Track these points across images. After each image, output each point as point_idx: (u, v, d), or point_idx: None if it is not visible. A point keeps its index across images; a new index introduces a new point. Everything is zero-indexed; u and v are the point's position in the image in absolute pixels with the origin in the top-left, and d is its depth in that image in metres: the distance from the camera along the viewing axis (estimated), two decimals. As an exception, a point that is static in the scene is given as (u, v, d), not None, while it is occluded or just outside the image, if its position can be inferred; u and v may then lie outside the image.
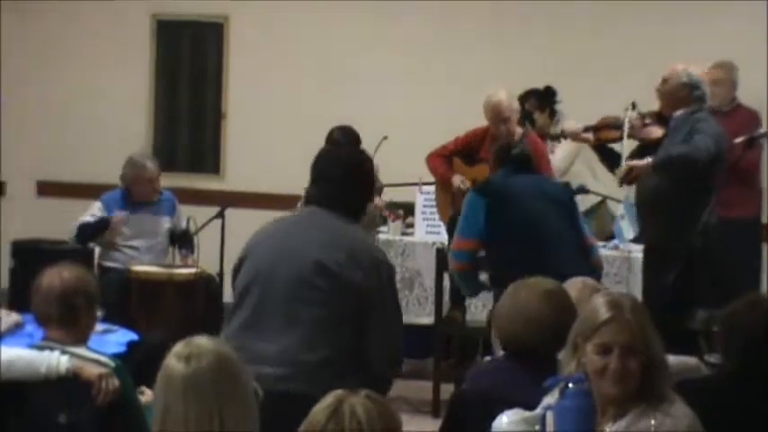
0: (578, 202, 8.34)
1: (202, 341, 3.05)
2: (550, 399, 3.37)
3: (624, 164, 6.66)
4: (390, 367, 4.32)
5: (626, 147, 6.82)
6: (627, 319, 3.31)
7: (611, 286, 7.53)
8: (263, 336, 4.19)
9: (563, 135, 7.45)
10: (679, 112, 6.54)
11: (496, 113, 7.09)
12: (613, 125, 6.88)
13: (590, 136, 7.02)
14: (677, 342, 4.77)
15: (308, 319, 4.17)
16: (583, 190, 8.35)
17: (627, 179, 6.74)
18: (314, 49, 9.72)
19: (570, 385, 3.30)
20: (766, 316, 3.95)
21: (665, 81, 6.64)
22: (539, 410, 3.38)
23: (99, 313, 4.57)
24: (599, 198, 8.41)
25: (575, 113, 7.92)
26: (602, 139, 7.00)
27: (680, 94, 6.55)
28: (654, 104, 6.80)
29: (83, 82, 10.13)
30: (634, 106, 6.82)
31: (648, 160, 6.53)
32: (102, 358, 4.25)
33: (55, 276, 4.32)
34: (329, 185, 4.52)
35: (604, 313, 3.32)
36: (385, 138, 7.49)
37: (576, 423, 3.27)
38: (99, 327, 5.72)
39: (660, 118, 6.72)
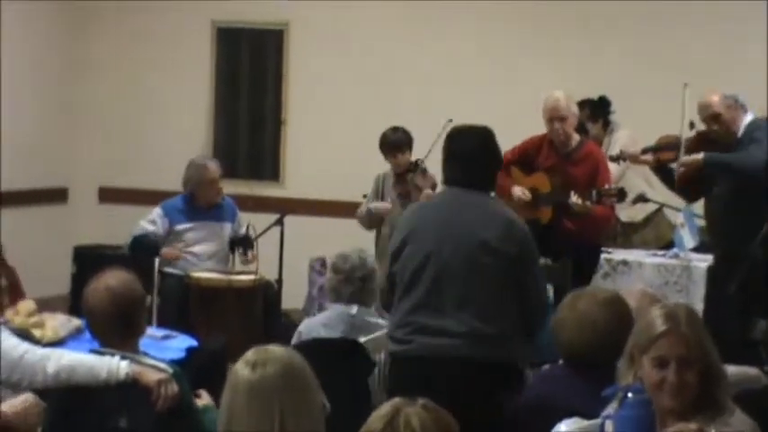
0: (637, 211, 8.36)
1: (273, 349, 3.05)
2: (610, 408, 3.35)
3: (678, 163, 6.71)
4: (543, 317, 4.76)
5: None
6: (683, 331, 3.28)
7: (671, 295, 7.50)
8: (442, 312, 4.64)
9: (622, 158, 7.45)
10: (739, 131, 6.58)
11: (552, 111, 7.03)
12: (671, 146, 6.91)
13: (649, 158, 7.06)
14: (738, 352, 4.73)
15: (480, 295, 4.65)
16: (642, 198, 8.32)
17: (683, 181, 6.76)
18: (373, 56, 9.74)
19: (629, 395, 3.27)
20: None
21: (715, 118, 6.71)
22: (598, 420, 3.36)
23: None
24: (656, 206, 8.37)
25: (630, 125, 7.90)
26: (661, 161, 7.03)
27: (732, 121, 6.68)
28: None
29: (144, 89, 10.22)
30: (692, 126, 6.81)
31: (700, 155, 6.59)
32: (161, 365, 4.27)
33: (102, 286, 4.32)
34: (467, 164, 4.88)
35: (660, 326, 3.29)
36: (450, 120, 7.43)
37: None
38: (158, 333, 5.80)
39: (715, 135, 6.74)
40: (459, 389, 4.44)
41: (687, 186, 6.91)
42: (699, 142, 6.79)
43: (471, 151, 4.90)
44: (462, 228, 4.74)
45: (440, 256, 4.70)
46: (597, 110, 8.19)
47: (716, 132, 6.74)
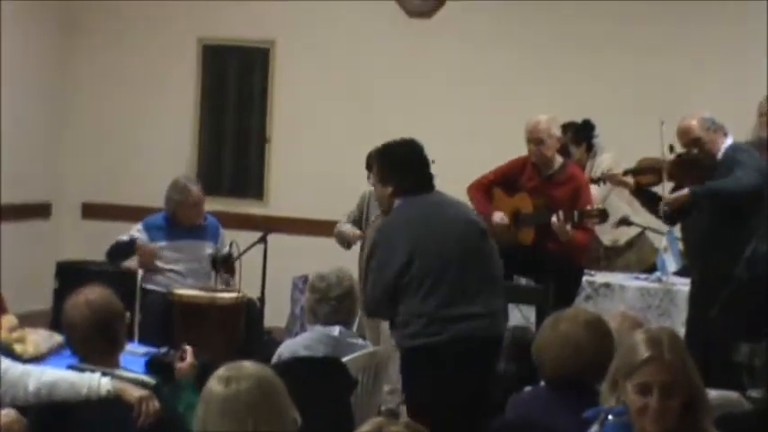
0: (620, 234, 8.37)
1: (246, 365, 3.06)
2: (592, 430, 3.35)
3: (663, 203, 6.71)
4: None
5: (666, 188, 6.86)
6: (666, 358, 3.28)
7: (653, 319, 7.52)
8: (469, 300, 5.28)
9: (603, 180, 7.48)
10: (719, 154, 6.57)
11: (531, 133, 7.09)
12: (651, 169, 6.93)
13: (630, 180, 7.05)
14: (720, 375, 4.74)
15: (488, 276, 5.43)
16: (626, 221, 8.34)
17: (669, 213, 6.77)
18: (359, 75, 9.76)
19: (610, 417, 3.28)
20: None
21: (695, 142, 6.68)
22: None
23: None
24: (639, 229, 8.40)
25: (615, 145, 7.93)
26: (641, 184, 7.05)
27: (713, 144, 6.64)
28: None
29: (128, 105, 10.22)
30: (672, 149, 6.83)
31: (686, 191, 6.59)
32: (143, 377, 4.27)
33: (82, 300, 4.33)
34: (417, 172, 5.56)
35: (644, 352, 3.29)
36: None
37: None
38: (140, 349, 5.77)
39: (696, 160, 6.74)
40: (487, 363, 5.37)
41: (670, 213, 6.92)
42: (679, 165, 6.80)
43: (418, 159, 5.57)
44: (453, 224, 5.44)
45: (450, 255, 5.31)
46: (580, 133, 8.21)
47: (695, 155, 6.75)
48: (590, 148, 8.30)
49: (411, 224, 5.42)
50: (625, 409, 3.29)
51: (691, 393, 3.28)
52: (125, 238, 7.76)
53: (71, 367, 4.32)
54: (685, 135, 6.71)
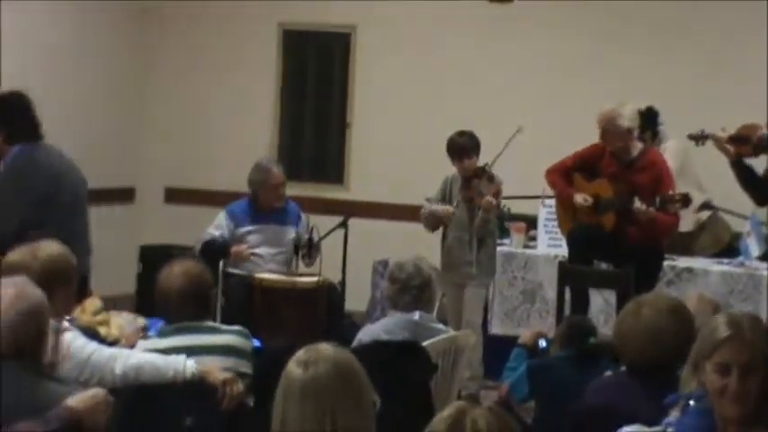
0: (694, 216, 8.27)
1: (324, 348, 3.08)
2: (672, 416, 3.34)
3: None
4: None
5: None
6: (746, 338, 3.25)
7: (736, 304, 7.46)
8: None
9: (703, 137, 7.08)
10: None
11: (598, 123, 7.11)
12: (750, 140, 6.69)
13: (731, 149, 6.78)
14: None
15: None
16: (707, 206, 8.27)
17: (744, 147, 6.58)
18: (439, 60, 9.75)
19: (691, 403, 3.26)
20: None
21: None
22: (659, 427, 3.35)
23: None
24: (710, 212, 8.29)
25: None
26: (741, 153, 6.76)
27: None
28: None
29: (210, 90, 10.31)
30: None
31: None
32: (238, 327, 4.44)
33: (179, 270, 4.51)
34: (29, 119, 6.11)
35: (723, 332, 3.27)
36: (519, 130, 7.42)
37: None
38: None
39: None
40: None
41: (758, 185, 6.72)
42: None
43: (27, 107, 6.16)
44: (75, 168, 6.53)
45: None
46: (645, 121, 8.08)
47: None
48: (655, 136, 8.19)
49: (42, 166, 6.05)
50: (705, 393, 3.27)
51: None
52: (215, 232, 7.83)
53: (166, 330, 4.44)
54: None
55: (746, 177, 6.74)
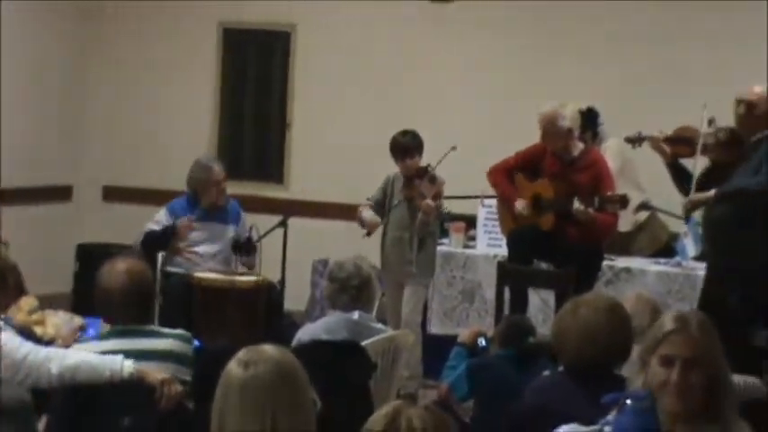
0: (633, 217, 8.35)
1: (265, 348, 3.07)
2: (610, 415, 3.35)
3: (686, 201, 6.57)
4: None
5: (698, 165, 6.70)
6: (692, 332, 3.27)
7: (673, 304, 7.53)
8: None
9: (639, 140, 7.13)
10: (756, 136, 6.41)
11: (539, 123, 7.17)
12: (688, 140, 6.74)
13: (668, 149, 6.84)
14: (738, 361, 4.73)
15: None
16: (646, 206, 8.34)
17: (691, 210, 6.68)
18: (379, 60, 9.75)
19: (629, 402, 3.27)
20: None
21: (750, 105, 6.46)
22: (596, 426, 3.36)
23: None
24: (649, 212, 8.37)
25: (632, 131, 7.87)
26: (675, 154, 6.82)
27: (763, 123, 6.38)
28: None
29: (149, 88, 10.24)
30: (711, 122, 6.67)
31: (711, 193, 6.43)
32: (181, 331, 4.37)
33: (120, 268, 4.43)
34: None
35: (669, 325, 3.29)
36: (453, 148, 7.48)
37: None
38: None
39: (733, 138, 6.57)
40: None
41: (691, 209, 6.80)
42: (716, 140, 6.60)
43: None
44: None
45: None
46: (586, 121, 8.11)
47: (733, 131, 6.53)
48: (595, 136, 8.25)
49: None
50: (646, 394, 3.28)
51: (715, 375, 3.26)
52: (155, 227, 7.77)
53: (108, 333, 4.39)
54: (755, 99, 6.46)
55: (682, 178, 6.80)
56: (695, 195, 6.52)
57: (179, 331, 4.58)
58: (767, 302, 6.20)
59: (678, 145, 6.77)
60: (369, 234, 7.77)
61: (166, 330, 4.58)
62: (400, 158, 7.70)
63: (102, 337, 4.53)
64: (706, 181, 6.62)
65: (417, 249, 7.64)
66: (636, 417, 3.25)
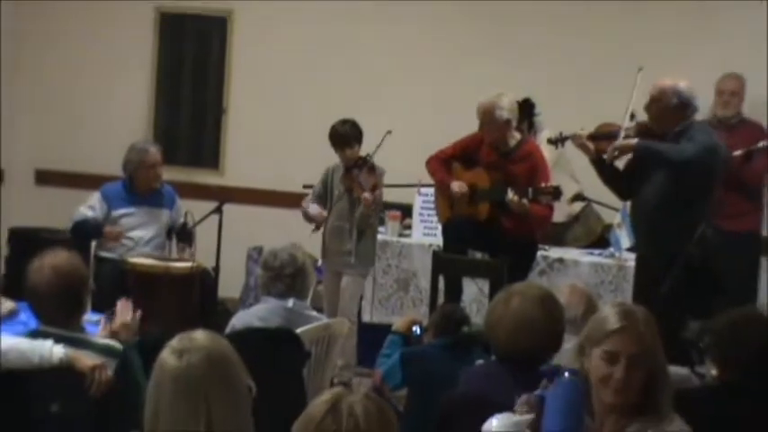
0: (568, 208, 8.41)
1: (198, 336, 3.05)
2: (540, 390, 3.34)
3: (612, 146, 6.61)
4: None
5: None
6: (639, 330, 3.30)
7: (605, 294, 7.60)
8: None
9: (562, 140, 7.23)
10: (676, 129, 6.53)
11: (477, 114, 7.18)
12: (611, 135, 6.81)
13: (591, 146, 6.89)
14: (669, 351, 4.78)
15: None
16: (580, 197, 8.39)
17: (616, 158, 6.71)
18: (317, 47, 9.72)
19: (566, 374, 3.26)
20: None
21: (654, 100, 6.58)
22: (528, 415, 3.36)
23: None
24: (584, 203, 8.42)
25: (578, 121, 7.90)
26: (599, 150, 6.88)
27: (672, 116, 6.52)
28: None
29: (85, 72, 10.14)
30: (633, 117, 6.77)
31: (635, 141, 6.54)
32: (111, 342, 4.27)
33: (48, 264, 4.33)
34: None
35: (616, 322, 3.31)
36: (389, 132, 7.48)
37: (562, 412, 3.22)
38: (93, 317, 5.76)
39: (646, 131, 6.67)
40: None
41: (620, 182, 6.87)
42: (637, 133, 6.75)
43: None
44: None
45: None
46: (522, 112, 8.14)
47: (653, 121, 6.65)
48: (531, 126, 8.29)
49: None
50: (578, 373, 3.28)
51: (655, 370, 3.29)
52: (88, 212, 7.70)
53: (25, 334, 4.30)
54: (657, 94, 6.59)
55: (608, 173, 6.86)
56: (619, 142, 6.59)
57: (108, 343, 4.42)
58: (696, 293, 6.26)
59: (601, 141, 6.81)
60: (317, 229, 7.74)
61: (95, 341, 4.43)
62: (339, 148, 7.69)
63: (28, 336, 4.43)
64: (631, 172, 6.73)
65: (357, 240, 7.65)
66: (569, 389, 3.23)
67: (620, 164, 6.87)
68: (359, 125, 7.71)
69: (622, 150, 6.62)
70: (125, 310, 4.58)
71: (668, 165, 6.43)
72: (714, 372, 4.06)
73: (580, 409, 3.24)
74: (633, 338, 3.28)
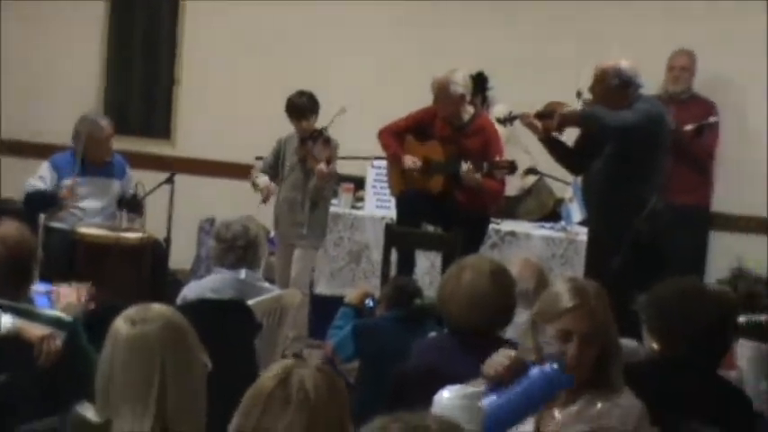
0: (521, 181, 8.44)
1: (153, 307, 3.04)
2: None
3: (557, 114, 6.63)
4: None
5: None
6: (591, 307, 3.32)
7: (557, 268, 7.64)
8: None
9: (510, 119, 7.23)
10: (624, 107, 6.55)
11: (431, 89, 7.19)
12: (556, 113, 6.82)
13: (539, 124, 6.89)
14: (619, 323, 4.81)
15: None
16: (533, 171, 8.41)
17: (560, 127, 6.73)
18: (271, 19, 9.65)
19: (555, 366, 3.26)
20: (715, 304, 3.99)
21: (597, 81, 6.58)
22: (481, 388, 3.38)
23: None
24: (536, 177, 8.45)
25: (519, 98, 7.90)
26: (547, 128, 6.88)
27: (615, 96, 6.53)
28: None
29: (35, 41, 10.02)
30: (579, 95, 6.81)
31: (578, 109, 6.57)
32: (61, 315, 4.24)
33: None
34: None
35: (569, 300, 3.33)
36: (343, 109, 7.47)
37: (519, 401, 3.24)
38: (42, 288, 5.72)
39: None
40: None
41: (571, 158, 6.90)
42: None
43: None
44: None
45: None
46: (475, 86, 8.14)
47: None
48: (484, 100, 8.30)
49: None
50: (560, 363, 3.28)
51: (607, 346, 3.32)
52: (39, 183, 7.61)
53: None
54: (599, 74, 6.63)
55: (558, 151, 6.89)
56: (564, 111, 6.61)
57: (57, 315, 4.37)
58: (645, 267, 6.30)
59: (549, 119, 6.81)
60: (265, 201, 7.73)
61: (44, 312, 4.38)
62: (295, 119, 7.68)
63: None
64: (581, 148, 6.77)
65: (309, 212, 7.64)
66: (547, 387, 3.24)
67: (570, 141, 6.91)
68: (316, 97, 7.70)
69: (566, 119, 6.62)
70: (71, 292, 4.54)
71: (609, 132, 6.44)
72: (654, 345, 4.06)
73: (539, 405, 3.26)
74: (586, 317, 3.30)
